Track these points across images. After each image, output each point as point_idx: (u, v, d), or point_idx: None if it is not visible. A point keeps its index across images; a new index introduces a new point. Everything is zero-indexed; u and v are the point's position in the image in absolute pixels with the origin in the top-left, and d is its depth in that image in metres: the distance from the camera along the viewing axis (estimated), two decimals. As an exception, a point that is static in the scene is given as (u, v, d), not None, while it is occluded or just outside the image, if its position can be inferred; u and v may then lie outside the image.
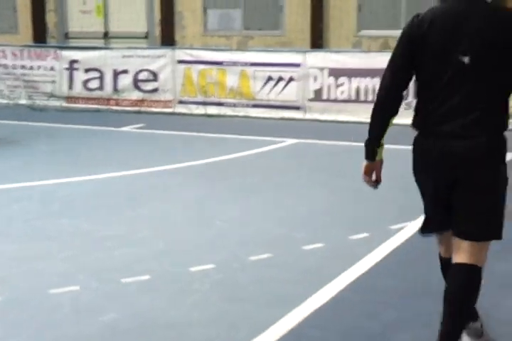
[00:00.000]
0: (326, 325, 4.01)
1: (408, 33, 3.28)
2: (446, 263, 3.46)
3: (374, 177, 3.50)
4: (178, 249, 5.31)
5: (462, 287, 3.28)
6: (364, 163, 3.45)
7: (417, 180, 3.46)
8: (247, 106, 11.47)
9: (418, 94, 3.38)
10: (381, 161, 3.48)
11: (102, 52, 12.48)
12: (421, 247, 5.25)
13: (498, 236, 3.28)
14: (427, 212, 3.45)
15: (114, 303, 4.30)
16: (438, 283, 4.55)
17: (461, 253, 3.27)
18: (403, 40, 3.31)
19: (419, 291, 4.47)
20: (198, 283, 4.62)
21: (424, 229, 3.49)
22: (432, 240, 5.16)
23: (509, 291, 4.19)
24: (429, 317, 4.08)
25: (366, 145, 3.44)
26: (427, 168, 3.34)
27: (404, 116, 10.50)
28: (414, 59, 3.27)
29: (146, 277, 4.71)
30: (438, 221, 3.41)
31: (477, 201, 3.22)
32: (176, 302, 4.33)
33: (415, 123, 3.39)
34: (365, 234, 5.52)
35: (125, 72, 12.16)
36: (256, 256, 5.08)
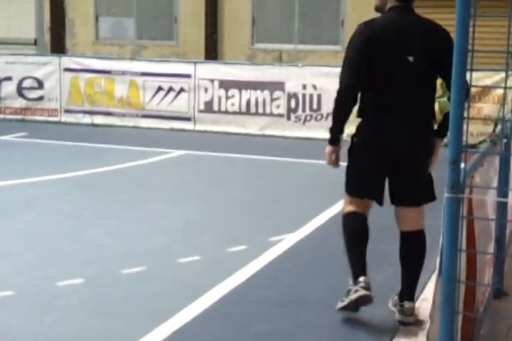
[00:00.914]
0: (194, 339, 3.89)
1: (363, 38, 3.96)
2: (352, 214, 4.13)
3: (334, 158, 4.12)
4: (47, 262, 5.06)
5: (417, 251, 4.12)
6: (328, 148, 4.10)
7: (362, 156, 4.09)
8: (137, 116, 11.25)
9: (367, 90, 4.01)
10: (340, 145, 4.12)
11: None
12: (298, 259, 5.23)
13: (433, 198, 4.09)
14: (363, 181, 4.12)
15: (-29, 320, 4.04)
16: (313, 294, 4.54)
17: (408, 222, 4.13)
18: (358, 45, 3.96)
19: (294, 302, 4.42)
20: (64, 298, 4.41)
21: (353, 193, 4.17)
22: (308, 253, 5.14)
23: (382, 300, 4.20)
24: (302, 328, 4.03)
25: (332, 133, 4.10)
26: (376, 148, 4.04)
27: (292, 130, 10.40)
28: (369, 61, 3.95)
29: (9, 293, 4.45)
30: (370, 189, 4.12)
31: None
32: (38, 318, 4.11)
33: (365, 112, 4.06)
34: (242, 247, 5.44)
35: (9, 79, 11.71)
36: (129, 270, 4.90)
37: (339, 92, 4.05)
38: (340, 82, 4.01)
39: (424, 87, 4.05)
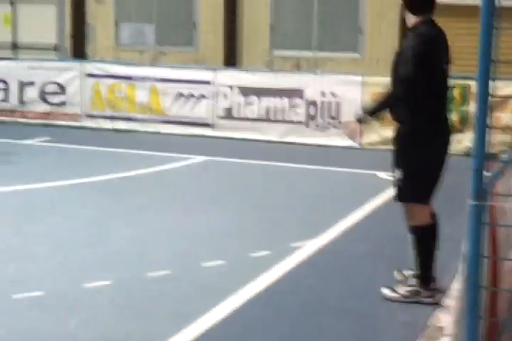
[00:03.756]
0: (218, 342, 3.97)
1: (426, 48, 4.36)
2: (433, 225, 4.56)
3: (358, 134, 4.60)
4: (73, 265, 5.16)
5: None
6: (355, 124, 4.50)
7: (432, 163, 4.46)
8: (157, 121, 11.37)
9: (424, 97, 4.33)
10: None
11: (7, 63, 12.15)
12: (319, 264, 5.30)
13: None
14: (433, 186, 4.50)
15: (2, 319, 4.15)
16: (335, 298, 4.61)
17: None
18: (423, 53, 4.32)
19: (317, 306, 4.49)
20: (90, 299, 4.50)
21: (427, 200, 4.53)
22: (329, 259, 5.21)
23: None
24: (324, 333, 4.09)
25: (368, 112, 4.50)
26: (440, 152, 4.48)
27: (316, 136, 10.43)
28: (430, 70, 4.37)
29: (38, 293, 4.55)
30: (433, 193, 4.54)
31: None
32: (65, 319, 4.20)
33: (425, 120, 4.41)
34: (265, 252, 5.51)
35: (31, 83, 11.87)
36: (154, 273, 4.99)
37: (404, 86, 4.33)
38: (407, 79, 4.30)
39: None
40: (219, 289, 4.72)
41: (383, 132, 9.88)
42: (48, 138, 10.63)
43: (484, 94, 2.58)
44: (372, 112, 4.51)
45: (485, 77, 2.55)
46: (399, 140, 4.51)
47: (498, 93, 9.74)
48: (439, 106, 4.50)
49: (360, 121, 4.51)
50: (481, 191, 2.63)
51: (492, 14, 2.48)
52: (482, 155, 2.65)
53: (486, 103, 2.61)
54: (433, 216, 4.58)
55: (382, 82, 8.73)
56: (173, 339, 3.95)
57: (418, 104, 4.37)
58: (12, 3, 14.33)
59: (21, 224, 6.17)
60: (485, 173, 2.68)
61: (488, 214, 2.81)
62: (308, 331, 4.12)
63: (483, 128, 2.62)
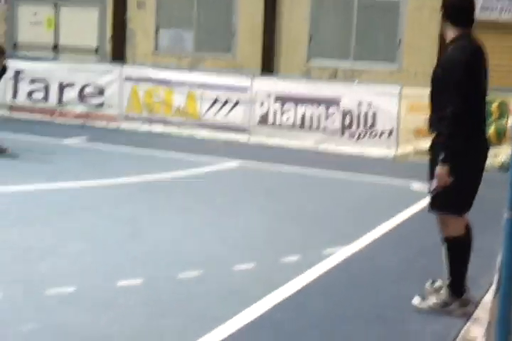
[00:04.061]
0: (248, 344, 3.99)
1: (468, 60, 4.34)
2: (468, 235, 4.54)
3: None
4: (106, 263, 5.22)
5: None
6: (444, 168, 4.30)
7: (473, 174, 4.44)
8: (193, 126, 11.46)
9: (467, 110, 4.30)
10: None
11: (49, 64, 12.36)
12: (351, 271, 5.30)
13: None
14: (470, 199, 4.48)
15: (35, 314, 4.20)
16: (365, 306, 4.60)
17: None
18: (470, 69, 4.32)
19: (346, 313, 4.49)
20: (123, 297, 4.55)
21: (463, 211, 4.51)
22: (361, 266, 5.21)
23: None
24: (354, 338, 4.09)
25: (450, 151, 4.33)
26: (478, 165, 4.47)
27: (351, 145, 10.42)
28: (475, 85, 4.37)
29: (71, 289, 4.61)
30: (471, 204, 4.53)
31: None
32: (98, 315, 4.24)
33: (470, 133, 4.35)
34: (296, 257, 5.52)
35: (71, 85, 12.05)
36: (185, 274, 5.03)
37: (460, 112, 4.28)
38: (459, 103, 4.27)
39: None
40: (249, 292, 4.74)
41: (418, 143, 9.86)
42: (85, 139, 10.77)
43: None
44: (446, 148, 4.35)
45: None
46: (435, 150, 4.50)
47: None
48: (478, 120, 4.49)
49: (443, 162, 4.34)
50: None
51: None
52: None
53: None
54: (468, 228, 4.56)
55: (419, 94, 8.73)
56: (203, 340, 3.97)
57: (459, 117, 4.35)
58: (56, 6, 14.58)
59: (56, 221, 6.26)
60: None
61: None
62: (336, 336, 4.12)
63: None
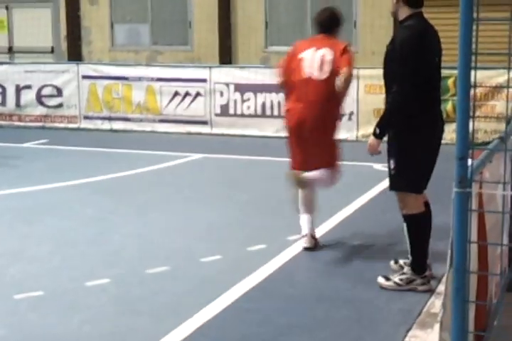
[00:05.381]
0: (217, 334, 4.05)
1: (419, 42, 4.42)
2: (428, 212, 4.67)
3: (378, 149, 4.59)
4: (74, 264, 5.24)
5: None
6: (373, 139, 4.57)
7: (428, 151, 4.53)
8: (154, 121, 11.44)
9: (422, 89, 4.39)
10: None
11: (4, 67, 12.24)
12: (316, 257, 5.37)
13: None
14: (427, 176, 4.59)
15: (4, 320, 4.23)
16: (332, 290, 4.68)
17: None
18: (421, 48, 4.40)
19: (314, 297, 4.57)
20: (93, 297, 4.58)
21: (421, 189, 4.61)
22: (325, 251, 5.28)
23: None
24: (322, 322, 4.17)
25: (382, 128, 4.54)
26: (433, 142, 4.56)
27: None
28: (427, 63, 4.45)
29: (39, 293, 4.63)
30: (427, 181, 4.64)
31: None
32: (68, 317, 4.27)
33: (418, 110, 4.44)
34: (262, 246, 5.59)
35: (28, 87, 11.95)
36: (153, 270, 5.07)
37: (406, 92, 4.40)
38: (406, 84, 4.38)
39: None
40: (217, 283, 4.80)
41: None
42: (45, 141, 10.70)
43: (465, 83, 2.63)
44: (385, 125, 4.55)
45: (465, 66, 2.61)
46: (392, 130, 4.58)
47: (492, 81, 9.84)
48: (432, 97, 4.56)
49: (376, 136, 4.56)
50: (465, 179, 2.69)
51: (471, 5, 2.54)
52: (465, 144, 2.71)
53: (468, 92, 2.66)
54: (426, 204, 4.65)
55: (376, 74, 8.79)
56: (174, 333, 4.02)
57: (404, 95, 4.43)
58: (7, 8, 14.41)
59: (21, 225, 6.25)
60: (469, 161, 2.74)
61: (474, 201, 2.87)
62: (305, 321, 4.19)
63: (464, 117, 2.69)
